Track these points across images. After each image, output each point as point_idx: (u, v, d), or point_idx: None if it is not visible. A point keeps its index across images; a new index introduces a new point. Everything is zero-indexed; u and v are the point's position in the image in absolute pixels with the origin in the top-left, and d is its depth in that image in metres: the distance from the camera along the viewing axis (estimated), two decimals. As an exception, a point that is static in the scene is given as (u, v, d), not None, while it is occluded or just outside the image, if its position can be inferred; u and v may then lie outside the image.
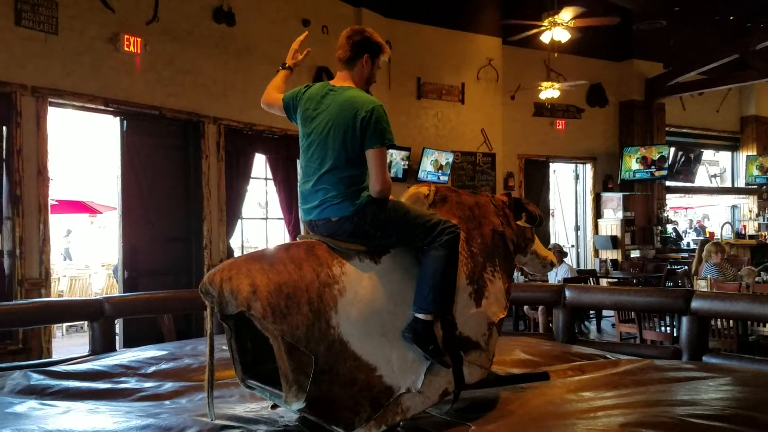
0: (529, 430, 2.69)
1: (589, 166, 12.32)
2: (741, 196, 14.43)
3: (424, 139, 10.13)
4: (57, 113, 6.18)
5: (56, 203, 9.59)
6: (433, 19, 10.22)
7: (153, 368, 3.89)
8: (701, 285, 6.45)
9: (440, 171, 10.07)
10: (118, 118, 6.53)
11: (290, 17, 8.04)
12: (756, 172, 13.44)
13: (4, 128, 5.61)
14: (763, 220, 13.39)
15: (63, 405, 3.24)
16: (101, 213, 12.87)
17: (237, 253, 7.56)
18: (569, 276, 7.70)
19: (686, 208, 19.80)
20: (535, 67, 10.85)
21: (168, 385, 3.57)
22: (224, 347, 2.98)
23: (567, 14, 8.34)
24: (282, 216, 8.26)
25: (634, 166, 12.01)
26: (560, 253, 8.07)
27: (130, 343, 5.88)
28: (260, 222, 8.89)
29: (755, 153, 13.84)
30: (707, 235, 13.55)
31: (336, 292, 2.55)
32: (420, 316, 2.66)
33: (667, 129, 12.80)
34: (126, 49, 6.35)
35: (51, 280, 6.12)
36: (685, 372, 3.51)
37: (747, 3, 10.66)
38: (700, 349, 4.47)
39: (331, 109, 2.74)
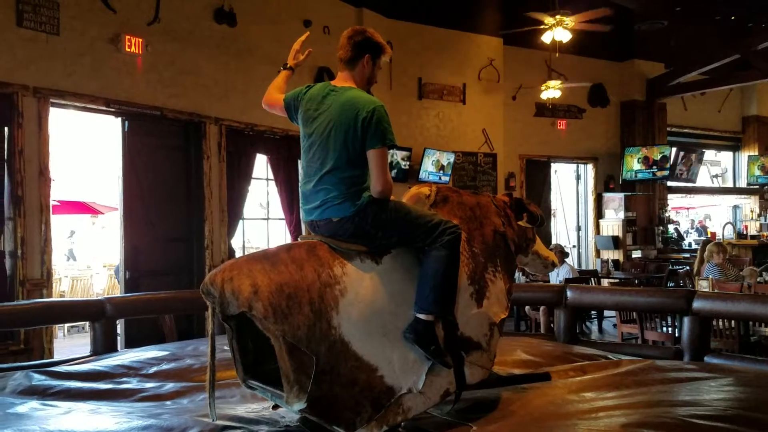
0: (531, 430, 2.68)
1: (590, 167, 12.32)
2: (742, 196, 14.42)
3: (425, 139, 10.13)
4: (58, 114, 6.18)
5: (58, 204, 9.59)
6: (434, 19, 10.21)
7: (154, 369, 3.90)
8: (703, 285, 6.45)
9: (441, 171, 10.07)
10: (119, 119, 6.54)
11: (291, 18, 8.04)
12: (757, 172, 13.43)
13: (6, 129, 5.61)
14: (765, 221, 13.37)
15: (64, 405, 3.24)
16: (102, 213, 12.88)
17: (238, 254, 7.56)
18: (571, 276, 7.70)
19: (688, 209, 19.79)
20: (536, 67, 10.85)
21: (169, 386, 3.57)
22: (225, 348, 2.98)
23: (568, 15, 8.35)
24: (283, 216, 8.26)
25: (636, 166, 12.00)
26: (562, 254, 8.06)
27: (131, 343, 5.88)
28: (261, 222, 8.90)
29: (757, 153, 13.83)
30: (709, 236, 13.54)
31: (337, 292, 2.55)
32: (421, 316, 2.66)
33: (668, 129, 12.80)
34: (127, 49, 6.35)
35: (52, 281, 6.13)
36: (687, 372, 3.51)
37: (748, 3, 10.65)
38: (701, 349, 4.46)
39: (333, 109, 2.74)
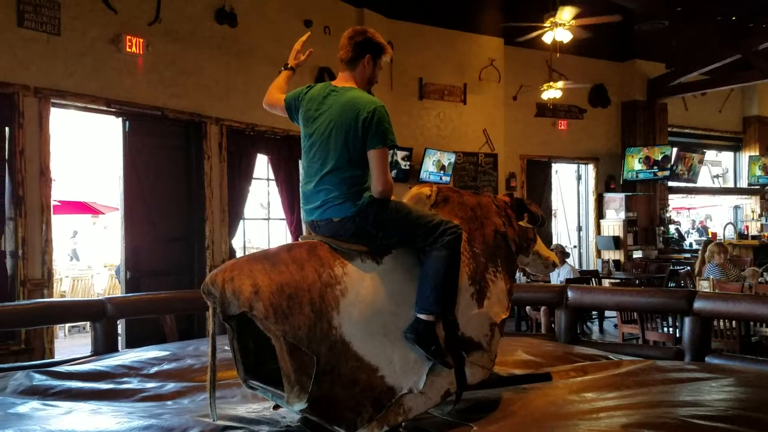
0: (532, 430, 2.68)
1: (591, 167, 12.31)
2: (743, 196, 14.41)
3: (426, 139, 10.13)
4: (59, 114, 6.19)
5: (59, 204, 9.60)
6: (434, 19, 10.21)
7: (155, 369, 3.90)
8: (704, 285, 6.44)
9: (442, 171, 10.07)
10: (120, 119, 6.54)
11: (292, 18, 8.04)
12: (758, 173, 13.43)
13: (7, 129, 5.62)
14: (766, 221, 13.36)
15: (65, 405, 3.25)
16: (103, 213, 12.88)
17: (239, 254, 7.57)
18: (571, 276, 7.70)
19: (689, 209, 19.78)
20: (537, 67, 10.85)
21: (170, 386, 3.57)
22: (226, 348, 2.98)
23: (568, 14, 8.33)
24: (284, 216, 8.26)
25: (637, 166, 12.00)
26: (562, 254, 8.06)
27: (132, 343, 5.89)
28: (262, 222, 8.90)
29: (758, 153, 13.83)
30: (710, 236, 13.53)
31: (338, 292, 2.55)
32: (422, 316, 2.66)
33: (669, 129, 12.79)
34: (128, 49, 6.36)
35: (53, 281, 6.13)
36: (688, 373, 3.51)
37: (749, 3, 10.64)
38: (702, 349, 4.46)
39: (333, 109, 2.74)
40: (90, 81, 6.15)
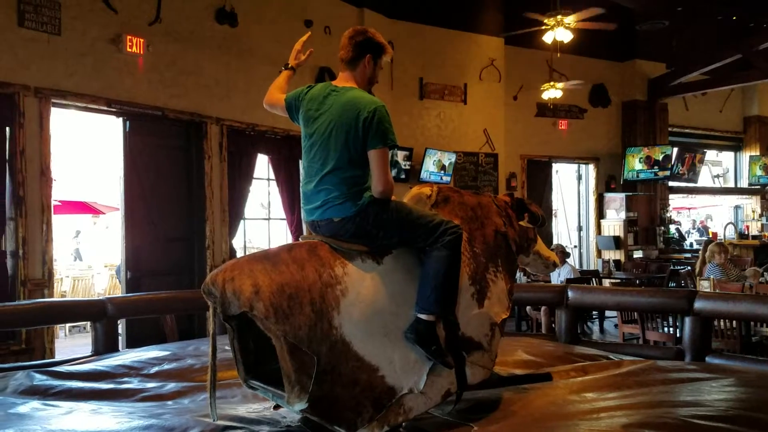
0: (532, 431, 2.68)
1: (591, 167, 12.31)
2: (744, 196, 14.41)
3: (427, 139, 10.13)
4: (60, 114, 6.19)
5: (59, 204, 9.60)
6: (435, 19, 10.21)
7: (156, 369, 3.90)
8: (704, 285, 6.44)
9: (442, 171, 10.07)
10: (120, 119, 6.54)
11: (292, 18, 8.04)
12: (759, 173, 13.43)
13: (7, 129, 5.62)
14: (766, 221, 13.37)
15: (66, 405, 3.25)
16: (104, 213, 12.87)
17: (239, 254, 7.57)
18: (572, 276, 7.69)
19: (689, 209, 19.77)
20: (537, 67, 10.84)
21: (170, 386, 3.57)
22: (227, 348, 2.98)
23: (569, 15, 8.33)
24: (284, 216, 8.26)
25: (638, 166, 12.00)
26: (563, 254, 8.06)
27: (132, 343, 5.89)
28: (263, 222, 8.90)
29: (758, 153, 13.82)
30: (710, 236, 13.53)
31: (338, 292, 2.55)
32: (422, 316, 2.66)
33: (670, 129, 12.78)
34: (128, 49, 6.36)
35: (54, 281, 6.13)
36: (688, 373, 3.51)
37: (749, 3, 10.64)
38: (703, 349, 4.46)
39: (334, 109, 2.74)
40: (90, 81, 6.15)
